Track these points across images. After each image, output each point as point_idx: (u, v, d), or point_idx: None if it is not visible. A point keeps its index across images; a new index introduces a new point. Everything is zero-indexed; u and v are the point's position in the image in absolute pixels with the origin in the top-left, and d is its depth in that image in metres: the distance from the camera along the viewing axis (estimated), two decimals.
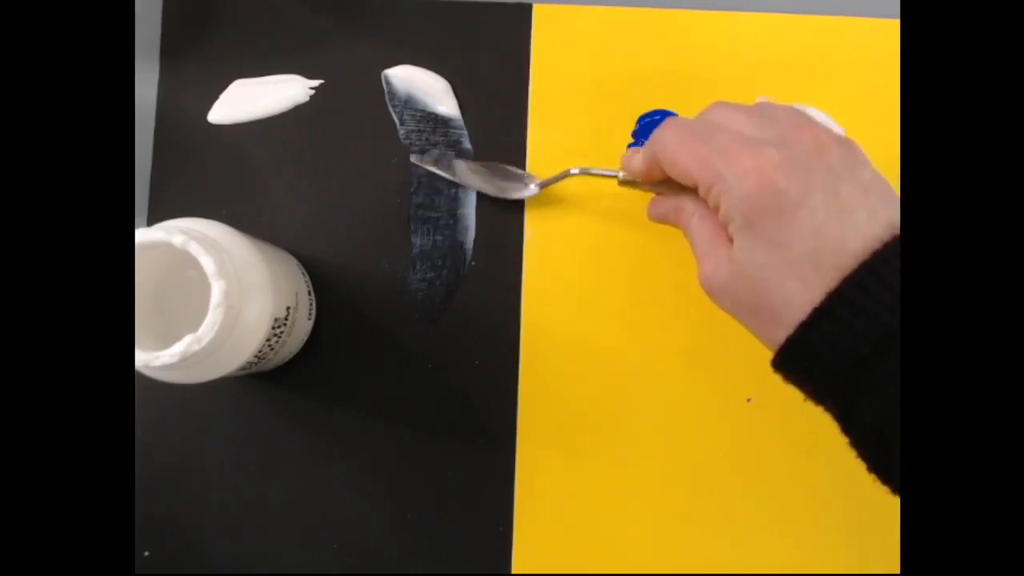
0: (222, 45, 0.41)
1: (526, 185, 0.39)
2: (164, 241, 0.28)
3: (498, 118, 0.40)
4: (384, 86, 0.41)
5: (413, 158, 0.39)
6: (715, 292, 0.29)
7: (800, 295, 0.26)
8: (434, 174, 0.40)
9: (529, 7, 0.41)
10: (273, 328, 0.32)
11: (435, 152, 0.39)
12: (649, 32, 0.41)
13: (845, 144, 0.28)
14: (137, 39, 0.41)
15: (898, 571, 0.26)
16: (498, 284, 0.39)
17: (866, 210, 0.26)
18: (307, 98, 0.41)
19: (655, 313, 0.39)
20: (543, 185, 0.38)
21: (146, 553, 0.38)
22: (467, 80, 0.41)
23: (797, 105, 0.40)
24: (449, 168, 0.39)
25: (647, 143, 0.32)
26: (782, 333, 0.26)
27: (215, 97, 0.41)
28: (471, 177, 0.39)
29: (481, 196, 0.40)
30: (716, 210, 0.29)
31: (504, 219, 0.40)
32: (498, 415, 0.38)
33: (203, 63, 0.41)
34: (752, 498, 0.38)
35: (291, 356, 0.38)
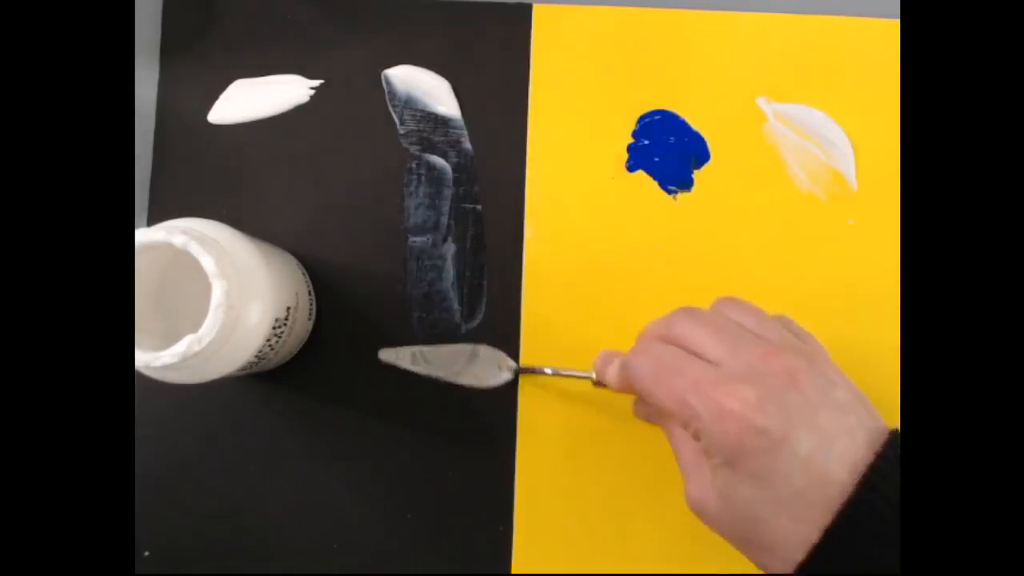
0: (222, 45, 0.41)
1: (501, 370, 0.37)
2: (164, 241, 0.28)
3: (498, 118, 0.40)
4: (384, 86, 0.41)
5: (381, 355, 0.36)
6: (703, 516, 0.29)
7: (793, 533, 0.26)
8: (433, 175, 0.40)
9: (529, 7, 0.41)
10: (273, 328, 0.32)
11: (405, 351, 0.36)
12: (649, 32, 0.41)
13: (812, 364, 0.28)
14: (137, 39, 0.41)
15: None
16: (498, 284, 0.39)
17: (847, 435, 0.26)
18: (307, 98, 0.41)
19: (655, 313, 0.39)
20: (519, 372, 0.37)
21: (146, 553, 0.38)
22: (467, 80, 0.41)
23: (799, 106, 0.40)
24: (422, 361, 0.36)
25: (620, 363, 0.31)
26: (779, 567, 0.26)
27: (215, 97, 0.41)
28: (442, 368, 0.36)
29: (480, 191, 0.40)
30: (696, 439, 0.28)
31: (504, 217, 0.40)
32: (498, 415, 0.38)
33: (203, 63, 0.41)
34: None
35: (291, 356, 0.38)
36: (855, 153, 0.40)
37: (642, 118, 0.40)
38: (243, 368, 0.32)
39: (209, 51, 0.41)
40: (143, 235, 0.28)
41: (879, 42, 0.41)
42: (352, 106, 0.41)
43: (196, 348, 0.28)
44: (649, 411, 0.34)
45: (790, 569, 0.26)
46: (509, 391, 0.38)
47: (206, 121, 0.41)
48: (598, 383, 0.34)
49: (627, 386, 0.31)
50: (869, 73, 0.40)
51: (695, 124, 0.40)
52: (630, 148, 0.40)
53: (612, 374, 0.32)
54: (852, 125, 0.40)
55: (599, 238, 0.40)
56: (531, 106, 0.41)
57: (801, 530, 0.25)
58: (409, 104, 0.41)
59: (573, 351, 0.39)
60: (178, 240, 0.28)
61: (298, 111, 0.41)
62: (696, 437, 0.28)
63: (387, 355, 0.36)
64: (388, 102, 0.41)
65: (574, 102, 0.41)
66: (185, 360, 0.28)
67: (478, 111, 0.40)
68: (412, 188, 0.40)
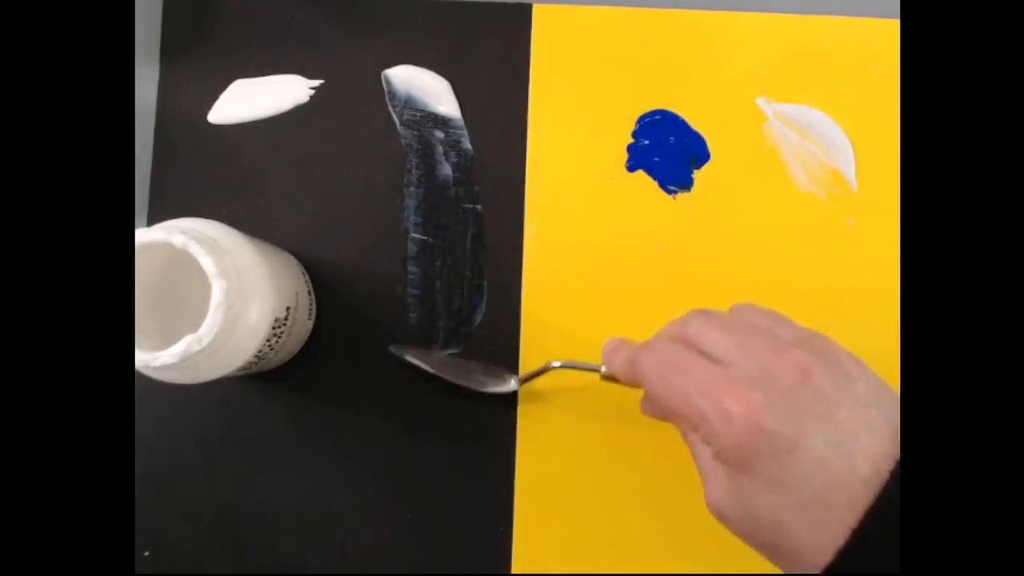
0: (222, 45, 0.41)
1: (506, 381, 0.37)
2: (164, 241, 0.28)
3: (498, 118, 0.40)
4: (384, 86, 0.41)
5: (391, 348, 0.38)
6: (726, 522, 0.28)
7: (818, 536, 0.25)
8: (433, 175, 0.40)
9: (529, 7, 0.41)
10: (273, 328, 0.32)
11: (412, 349, 0.38)
12: (649, 32, 0.41)
13: (828, 359, 0.27)
14: (137, 39, 0.41)
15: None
16: (498, 284, 0.39)
17: (868, 430, 0.25)
18: (307, 98, 0.41)
19: (655, 313, 0.39)
20: (523, 381, 0.37)
21: (146, 553, 0.38)
22: (467, 80, 0.41)
23: (799, 106, 0.40)
24: (428, 359, 0.38)
25: (628, 357, 0.30)
26: (808, 571, 0.25)
27: (215, 97, 0.41)
28: (448, 369, 0.37)
29: (480, 191, 0.40)
30: (706, 444, 0.27)
31: (504, 217, 0.40)
32: (498, 416, 0.38)
33: (203, 63, 0.41)
34: None
35: (291, 356, 0.38)
36: (855, 153, 0.40)
37: (642, 118, 0.40)
38: (243, 368, 0.32)
39: (209, 51, 0.41)
40: (143, 235, 0.28)
41: (879, 42, 0.41)
42: (352, 106, 0.41)
43: (196, 348, 0.28)
44: (656, 409, 0.33)
45: (818, 571, 0.25)
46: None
47: (206, 121, 0.41)
48: (605, 376, 0.33)
49: (635, 382, 0.30)
50: (869, 73, 0.40)
51: (695, 124, 0.40)
52: (630, 148, 0.40)
53: (619, 365, 0.31)
54: (852, 125, 0.40)
55: (599, 238, 0.40)
56: (531, 106, 0.41)
57: (826, 532, 0.24)
58: (409, 104, 0.41)
59: (573, 351, 0.39)
60: (178, 240, 0.28)
61: (298, 111, 0.41)
62: (706, 441, 0.27)
63: (397, 349, 0.37)
64: (388, 102, 0.41)
65: (574, 102, 0.41)
66: (185, 360, 0.28)
67: (478, 111, 0.40)
68: (412, 188, 0.40)
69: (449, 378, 0.37)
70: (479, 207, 0.40)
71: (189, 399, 0.38)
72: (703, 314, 0.30)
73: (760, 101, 0.40)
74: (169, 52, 0.41)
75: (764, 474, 0.26)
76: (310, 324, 0.38)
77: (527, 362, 0.39)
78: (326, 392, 0.39)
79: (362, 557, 0.38)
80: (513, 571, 0.38)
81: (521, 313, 0.39)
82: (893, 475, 0.24)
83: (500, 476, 0.38)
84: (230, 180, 0.40)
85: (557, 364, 0.36)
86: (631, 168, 0.40)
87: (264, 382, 0.39)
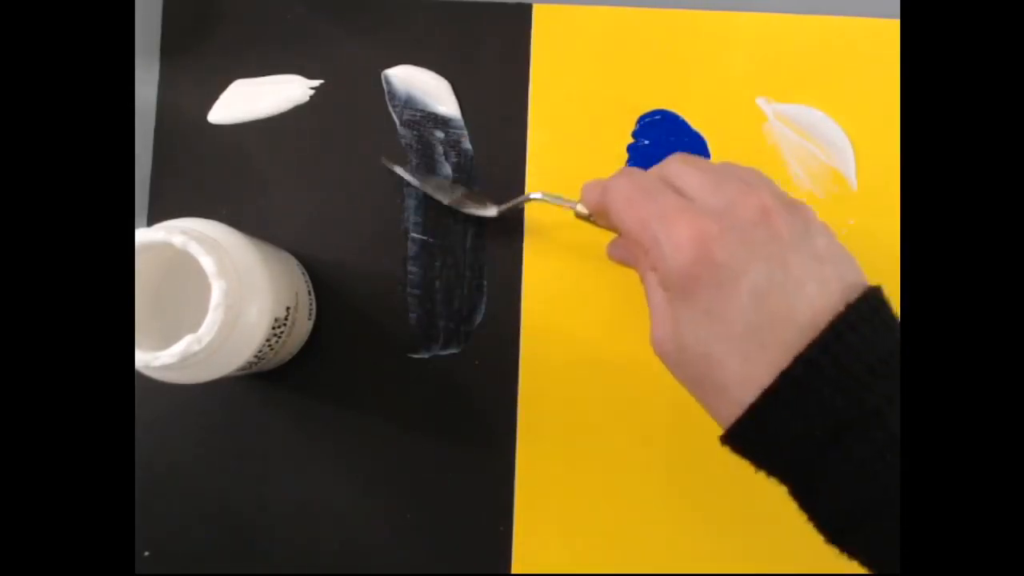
0: (222, 45, 0.41)
1: (486, 207, 0.38)
2: (164, 241, 0.28)
3: (498, 118, 0.40)
4: (384, 86, 0.41)
5: (384, 159, 0.38)
6: (663, 357, 0.28)
7: (745, 373, 0.24)
8: (432, 175, 0.40)
9: (529, 7, 0.41)
10: (273, 328, 0.32)
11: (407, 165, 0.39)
12: (649, 32, 0.41)
13: (795, 210, 0.27)
14: (137, 39, 0.41)
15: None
16: (498, 284, 0.39)
17: (817, 281, 0.25)
18: (307, 98, 0.41)
19: None
20: (501, 211, 0.38)
21: (146, 553, 0.38)
22: (467, 80, 0.41)
23: (799, 106, 0.40)
24: (416, 173, 0.39)
25: (603, 184, 0.30)
26: (729, 411, 0.25)
27: (215, 97, 0.41)
28: (435, 190, 0.39)
29: (480, 191, 0.40)
30: (654, 271, 0.27)
31: (504, 217, 0.40)
32: (498, 415, 0.38)
33: (203, 63, 0.41)
34: (753, 497, 0.38)
35: (291, 356, 0.38)
36: (855, 153, 0.40)
37: (642, 118, 0.40)
38: (243, 368, 0.32)
39: (209, 51, 0.41)
40: (143, 235, 0.28)
41: (879, 42, 0.41)
42: (352, 106, 0.41)
43: (196, 348, 0.28)
44: (622, 253, 0.33)
45: (739, 411, 0.24)
46: (510, 386, 0.38)
47: (206, 121, 0.41)
48: (580, 215, 0.33)
49: (602, 209, 0.30)
50: (869, 73, 0.40)
51: (695, 124, 0.40)
52: (630, 148, 0.40)
53: (593, 191, 0.31)
54: (852, 125, 0.40)
55: (599, 238, 0.40)
56: (531, 106, 0.41)
57: (753, 369, 0.24)
58: (409, 104, 0.41)
59: (573, 351, 0.39)
60: (178, 240, 0.28)
61: (298, 111, 0.41)
62: (654, 267, 0.27)
63: (387, 160, 0.39)
64: (388, 102, 0.41)
65: (574, 102, 0.41)
66: (185, 360, 0.28)
67: (478, 111, 0.40)
68: (412, 188, 0.40)
69: (431, 193, 0.38)
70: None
71: (189, 399, 0.38)
72: (685, 156, 0.30)
73: (760, 101, 0.40)
74: (169, 52, 0.41)
75: (702, 304, 0.25)
76: (310, 324, 0.38)
77: (527, 362, 0.39)
78: (326, 392, 0.39)
79: (362, 557, 0.38)
80: (513, 571, 0.38)
81: (521, 313, 0.39)
82: (831, 326, 0.24)
83: (500, 476, 0.38)
84: (230, 180, 0.40)
85: (537, 195, 0.36)
86: None
87: (264, 382, 0.39)
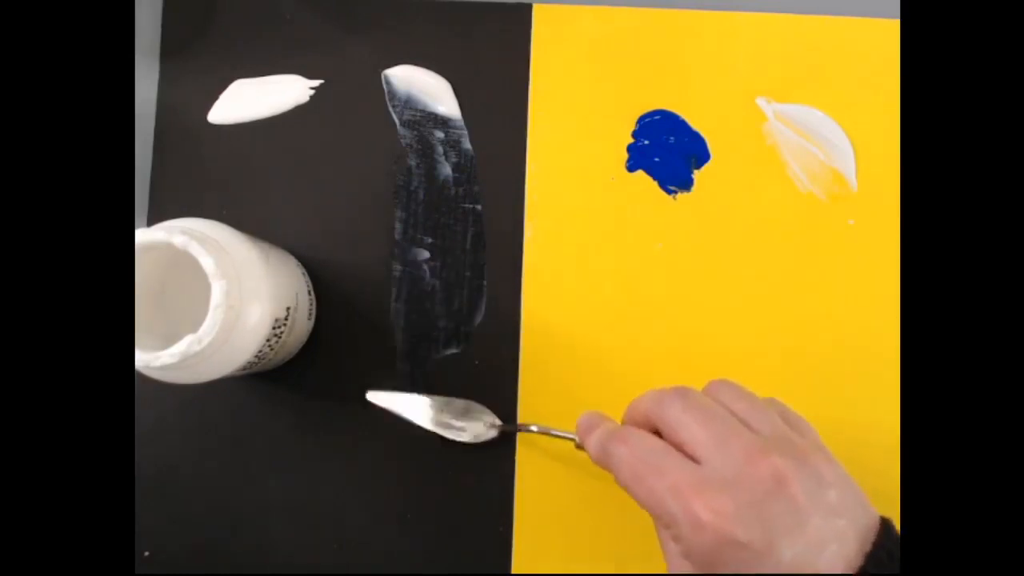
0: (222, 45, 0.41)
1: (486, 425, 0.37)
2: (164, 241, 0.28)
3: (498, 118, 0.40)
4: (384, 86, 0.41)
5: (369, 396, 0.37)
6: None
7: None
8: (433, 175, 0.40)
9: (529, 7, 0.41)
10: (273, 328, 0.32)
11: (390, 395, 0.37)
12: (649, 32, 0.41)
13: (803, 464, 0.26)
14: (137, 39, 0.41)
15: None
16: (498, 284, 0.39)
17: (836, 540, 0.25)
18: (307, 98, 0.41)
19: (655, 313, 0.39)
20: (503, 431, 0.37)
21: (146, 553, 0.38)
22: (467, 80, 0.41)
23: (799, 106, 0.40)
24: (410, 407, 0.37)
25: (600, 439, 0.30)
26: None
27: (215, 97, 0.41)
28: (430, 417, 0.37)
29: (481, 191, 0.40)
30: (676, 541, 0.27)
31: (504, 217, 0.40)
32: (498, 415, 0.38)
33: (203, 63, 0.41)
34: None
35: (291, 356, 0.38)
36: (855, 153, 0.40)
37: (642, 118, 0.40)
38: (243, 368, 0.32)
39: (209, 51, 0.41)
40: (143, 235, 0.28)
41: (879, 42, 0.41)
42: (352, 106, 0.41)
43: (196, 348, 0.28)
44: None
45: None
46: (510, 386, 0.39)
47: (206, 121, 0.41)
48: (580, 447, 0.33)
49: (606, 468, 0.30)
50: (869, 73, 0.40)
51: (695, 124, 0.40)
52: (630, 148, 0.40)
53: (593, 449, 0.31)
54: (852, 125, 0.40)
55: (599, 238, 0.40)
56: (531, 106, 0.41)
57: None
58: (409, 104, 0.41)
59: (573, 351, 0.39)
60: (178, 240, 0.28)
61: (298, 111, 0.41)
62: (675, 540, 0.27)
63: (373, 397, 0.37)
64: (388, 102, 0.41)
65: (574, 102, 0.41)
66: (185, 360, 0.28)
67: (478, 111, 0.40)
68: (412, 188, 0.40)
69: (427, 427, 0.37)
70: (479, 207, 0.40)
71: (189, 399, 0.38)
72: (682, 396, 0.29)
73: (760, 101, 0.40)
74: (169, 52, 0.41)
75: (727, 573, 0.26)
76: (310, 324, 0.38)
77: (527, 362, 0.39)
78: (326, 392, 0.39)
79: (362, 557, 0.38)
80: (513, 571, 0.38)
81: (521, 313, 0.39)
82: None
83: (500, 476, 0.38)
84: (230, 180, 0.40)
85: (534, 428, 0.36)
86: (631, 168, 0.40)
87: (264, 382, 0.39)
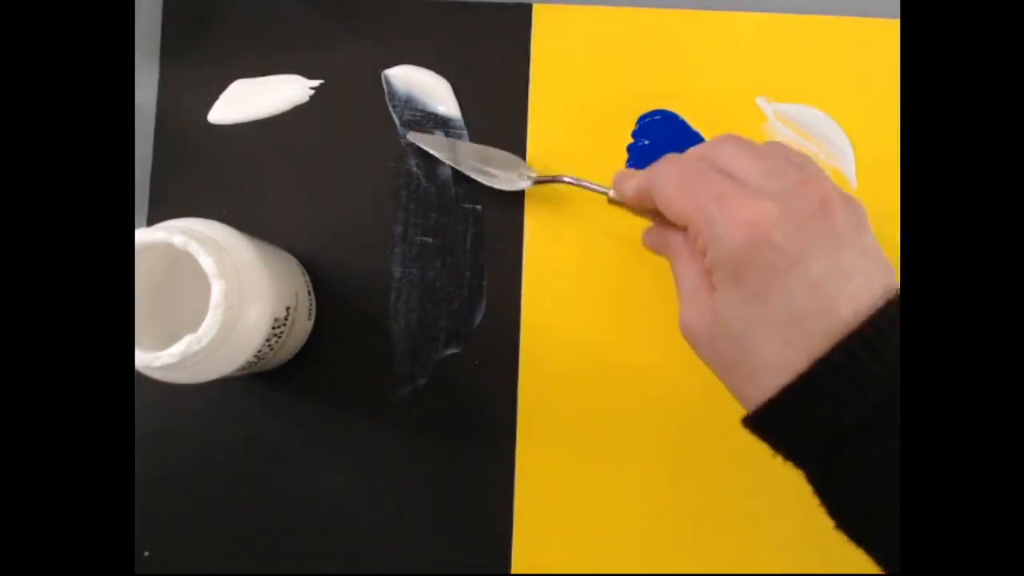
0: (222, 45, 0.41)
1: (520, 176, 0.38)
2: (164, 241, 0.28)
3: (498, 118, 0.40)
4: (384, 86, 0.41)
5: (411, 136, 0.39)
6: (693, 340, 0.28)
7: (783, 357, 0.25)
8: (433, 175, 0.40)
9: (529, 7, 0.41)
10: (273, 328, 0.32)
11: (434, 136, 0.39)
12: (649, 32, 0.41)
13: (850, 204, 0.27)
14: (137, 39, 0.41)
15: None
16: (498, 284, 0.39)
17: (863, 276, 0.25)
18: (307, 98, 0.41)
19: (656, 313, 0.39)
20: (537, 181, 0.38)
21: (146, 553, 0.38)
22: (467, 80, 0.41)
23: (799, 106, 0.40)
24: (449, 149, 0.39)
25: (644, 173, 0.30)
26: (758, 393, 0.25)
27: (215, 97, 0.41)
28: (468, 160, 0.38)
29: (480, 191, 0.40)
30: (702, 254, 0.27)
31: (504, 217, 0.40)
32: (498, 415, 0.38)
33: (203, 63, 0.41)
34: (753, 496, 0.38)
35: (291, 356, 0.38)
36: (855, 153, 0.40)
37: (642, 118, 0.40)
38: (243, 368, 0.32)
39: (209, 51, 0.41)
40: (143, 235, 0.28)
41: (879, 42, 0.41)
42: (352, 106, 0.41)
43: (196, 348, 0.28)
44: (658, 240, 0.32)
45: (770, 394, 0.25)
46: (510, 386, 0.39)
47: (206, 121, 0.41)
48: (613, 200, 0.33)
49: (647, 196, 0.30)
50: (869, 73, 0.41)
51: (695, 124, 0.40)
52: (630, 148, 0.40)
53: (631, 186, 0.31)
54: (852, 125, 0.40)
55: (599, 238, 0.40)
56: (531, 106, 0.41)
57: (791, 356, 0.24)
58: (409, 104, 0.41)
59: (573, 351, 0.39)
60: (178, 240, 0.28)
61: (298, 111, 0.41)
62: (703, 251, 0.27)
63: (415, 137, 0.39)
64: (388, 102, 0.41)
65: (574, 102, 0.41)
66: (185, 360, 0.28)
67: (478, 111, 0.40)
68: (412, 188, 0.40)
69: (463, 169, 0.39)
70: (479, 207, 0.40)
71: (189, 399, 0.38)
72: (735, 139, 0.29)
73: (760, 101, 0.40)
74: (169, 52, 0.41)
75: (752, 285, 0.25)
76: (310, 324, 0.38)
77: (527, 362, 0.39)
78: (326, 392, 0.39)
79: (362, 557, 0.38)
80: (513, 571, 0.38)
81: (521, 313, 0.39)
82: (872, 320, 0.24)
83: (500, 476, 0.38)
84: (230, 180, 0.40)
85: (569, 179, 0.37)
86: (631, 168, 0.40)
87: (264, 382, 0.39)
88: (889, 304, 0.24)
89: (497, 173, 0.38)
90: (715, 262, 0.27)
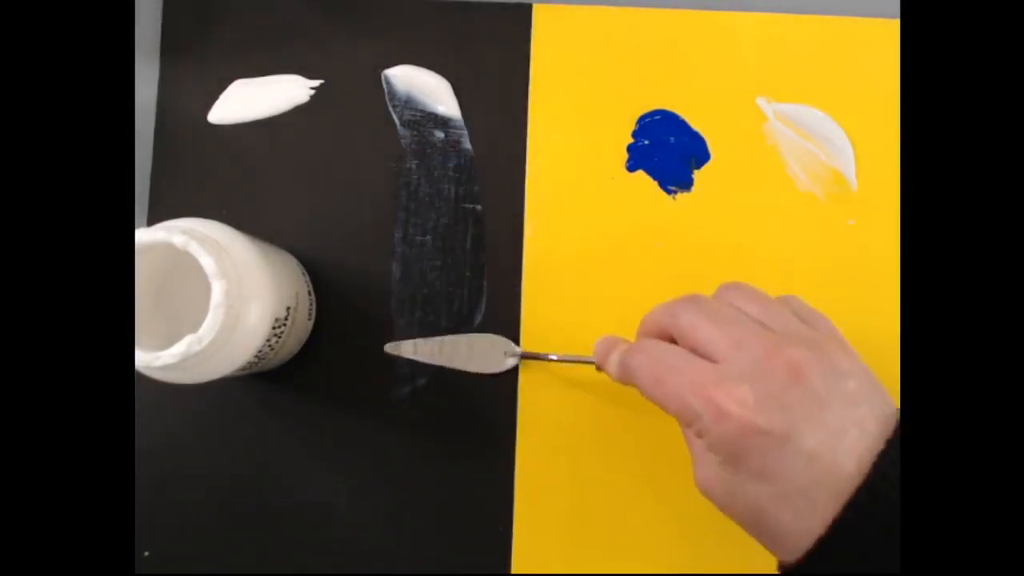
0: (222, 45, 0.41)
1: (507, 355, 0.38)
2: (164, 241, 0.28)
3: (498, 118, 0.40)
4: (384, 86, 0.41)
5: (387, 347, 0.38)
6: (712, 499, 0.29)
7: (799, 527, 0.25)
8: (433, 175, 0.40)
9: (529, 7, 0.41)
10: (273, 328, 0.32)
11: (409, 343, 0.38)
12: (649, 32, 0.41)
13: (820, 355, 0.27)
14: (137, 39, 0.41)
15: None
16: (498, 284, 0.39)
17: (856, 427, 0.25)
18: (307, 98, 0.41)
19: None
20: (524, 357, 0.38)
21: (146, 553, 0.38)
22: (467, 80, 0.41)
23: (799, 106, 0.40)
24: (435, 350, 0.38)
25: (621, 357, 0.31)
26: (785, 555, 0.26)
27: (215, 97, 0.41)
28: (454, 356, 0.38)
29: (480, 191, 0.40)
30: (699, 437, 0.28)
31: (504, 217, 0.40)
32: (498, 414, 0.38)
33: (203, 63, 0.41)
34: None
35: (291, 356, 0.38)
36: (855, 153, 0.40)
37: (642, 118, 0.40)
38: (243, 368, 0.32)
39: (209, 51, 0.41)
40: (143, 235, 0.28)
41: (879, 42, 0.41)
42: (352, 106, 0.41)
43: (196, 348, 0.28)
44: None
45: (798, 556, 0.26)
46: (510, 386, 0.39)
47: (206, 121, 0.41)
48: (600, 368, 0.34)
49: (628, 383, 0.31)
50: (869, 73, 0.41)
51: (695, 124, 0.40)
52: (630, 148, 0.40)
53: (612, 366, 0.32)
54: (852, 125, 0.40)
55: (599, 238, 0.40)
56: (531, 106, 0.41)
57: (807, 522, 0.25)
58: (409, 104, 0.41)
59: (573, 351, 0.39)
60: (178, 240, 0.28)
61: (298, 111, 0.41)
62: (699, 436, 0.28)
63: (392, 348, 0.38)
64: (388, 102, 0.41)
65: (574, 102, 0.41)
66: (185, 360, 0.28)
67: (478, 111, 0.40)
68: (412, 188, 0.40)
69: (445, 365, 0.38)
70: (479, 207, 0.40)
71: (189, 399, 0.38)
72: (694, 303, 0.30)
73: (760, 101, 0.40)
74: (169, 52, 0.41)
75: (752, 467, 0.26)
76: (310, 324, 0.38)
77: (527, 364, 0.39)
78: (326, 392, 0.39)
79: (362, 557, 0.38)
80: (513, 571, 0.38)
81: (521, 313, 0.39)
82: (875, 468, 0.25)
83: (500, 476, 0.38)
84: (230, 180, 0.40)
85: (553, 357, 0.37)
86: (631, 168, 0.40)
87: (264, 382, 0.39)
88: (888, 443, 0.25)
89: (484, 358, 0.38)
90: (711, 447, 0.27)
